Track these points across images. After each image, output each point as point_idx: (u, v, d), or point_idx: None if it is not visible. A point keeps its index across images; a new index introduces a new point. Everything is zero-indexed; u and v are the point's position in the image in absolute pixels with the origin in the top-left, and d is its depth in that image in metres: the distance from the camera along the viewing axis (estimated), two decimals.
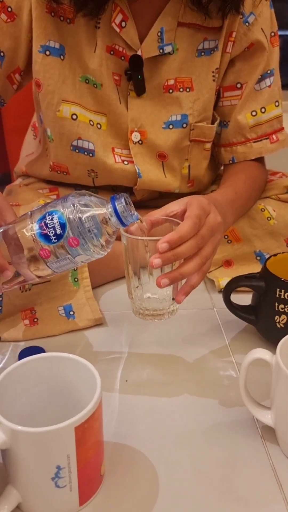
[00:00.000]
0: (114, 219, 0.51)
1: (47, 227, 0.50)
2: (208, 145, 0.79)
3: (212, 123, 0.78)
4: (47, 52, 0.70)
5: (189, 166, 0.79)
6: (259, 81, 0.76)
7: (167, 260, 0.53)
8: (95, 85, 0.72)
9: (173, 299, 0.59)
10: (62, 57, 0.71)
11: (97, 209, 0.51)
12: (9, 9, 0.68)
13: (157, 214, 0.58)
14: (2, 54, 0.71)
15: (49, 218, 0.50)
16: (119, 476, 0.48)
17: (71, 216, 0.50)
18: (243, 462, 0.50)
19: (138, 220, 0.53)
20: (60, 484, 0.42)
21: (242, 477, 0.48)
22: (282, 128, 0.80)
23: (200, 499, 0.46)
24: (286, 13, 1.97)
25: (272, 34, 0.75)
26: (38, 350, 0.64)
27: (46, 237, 0.50)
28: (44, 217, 0.51)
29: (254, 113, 0.77)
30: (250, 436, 0.53)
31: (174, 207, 0.57)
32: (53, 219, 0.50)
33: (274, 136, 0.79)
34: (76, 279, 0.72)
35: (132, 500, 0.46)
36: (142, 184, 0.79)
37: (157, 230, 0.58)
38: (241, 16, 0.71)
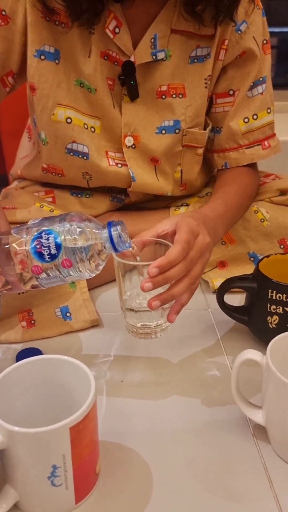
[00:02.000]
0: (108, 245, 0.52)
1: (42, 245, 0.51)
2: (200, 151, 0.80)
3: (204, 128, 0.79)
4: (42, 57, 0.71)
5: (181, 170, 0.80)
6: (251, 88, 0.77)
7: (158, 284, 0.55)
8: (89, 90, 0.73)
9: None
10: (57, 61, 0.72)
11: (92, 233, 0.52)
12: (3, 13, 0.69)
13: (148, 235, 0.60)
14: None
15: (45, 237, 0.51)
16: (114, 475, 0.49)
17: (67, 238, 0.51)
18: (235, 460, 0.51)
19: (130, 248, 0.55)
20: (56, 482, 0.43)
21: (235, 474, 0.50)
22: (274, 135, 0.81)
23: (193, 496, 0.47)
24: (282, 10, 1.98)
25: (264, 42, 0.76)
26: (35, 352, 0.66)
27: (40, 255, 0.51)
28: (40, 235, 0.52)
29: (246, 120, 0.78)
30: (242, 434, 0.54)
31: (164, 226, 0.59)
32: (49, 239, 0.51)
33: (266, 143, 0.80)
34: (72, 281, 0.73)
35: (127, 497, 0.47)
36: (136, 187, 0.80)
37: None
38: (233, 24, 0.72)
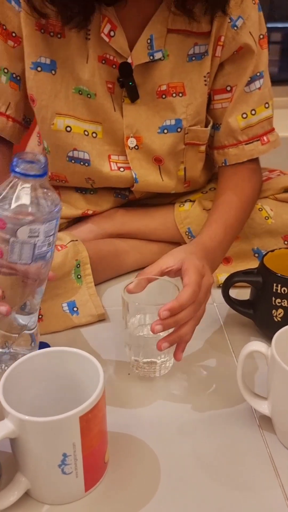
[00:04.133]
0: (17, 175, 0.49)
1: None
2: (203, 148, 0.80)
3: (206, 126, 0.79)
4: (39, 68, 0.72)
5: (184, 168, 0.81)
6: (249, 83, 0.77)
7: (168, 326, 0.56)
8: (89, 95, 0.73)
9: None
10: (53, 72, 0.72)
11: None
12: (13, 35, 0.70)
13: (152, 272, 0.60)
14: (18, 77, 0.74)
15: None
16: (122, 464, 0.50)
17: None
18: (241, 450, 0.52)
19: (43, 167, 0.50)
20: (67, 470, 0.44)
21: (241, 464, 0.51)
22: (273, 129, 0.81)
23: (200, 486, 0.48)
24: (285, 5, 1.97)
25: (261, 36, 0.76)
26: (43, 345, 0.66)
27: None
28: None
29: (244, 115, 0.78)
30: (248, 425, 0.55)
31: (168, 263, 0.60)
32: None
33: (265, 138, 0.80)
34: (79, 276, 0.74)
35: (135, 486, 0.48)
36: (139, 188, 0.81)
37: None
38: (229, 21, 0.72)
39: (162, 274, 0.60)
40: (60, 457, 0.44)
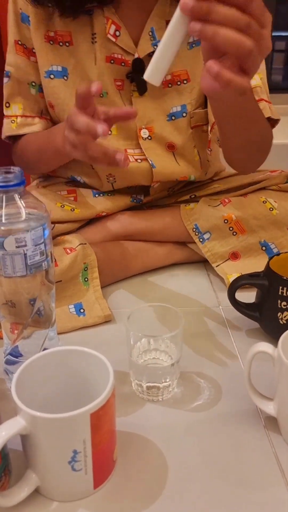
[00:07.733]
0: None
1: None
2: (206, 127, 0.86)
3: (205, 106, 0.85)
4: (52, 76, 0.79)
5: (198, 152, 0.86)
6: None
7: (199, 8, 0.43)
8: (101, 95, 0.78)
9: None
10: (65, 78, 0.79)
11: None
12: (33, 51, 0.79)
13: None
14: (38, 85, 0.83)
15: None
16: (130, 462, 0.51)
17: None
18: (247, 450, 0.53)
19: (20, 176, 0.50)
20: (76, 467, 0.45)
21: (247, 463, 0.51)
22: (261, 100, 0.81)
23: (206, 485, 0.49)
24: None
25: None
26: None
27: None
28: None
29: None
30: (254, 425, 0.55)
31: None
32: None
33: None
34: (86, 279, 0.75)
35: (143, 483, 0.49)
36: (158, 175, 0.84)
37: None
38: None
39: None
40: (70, 453, 0.44)
